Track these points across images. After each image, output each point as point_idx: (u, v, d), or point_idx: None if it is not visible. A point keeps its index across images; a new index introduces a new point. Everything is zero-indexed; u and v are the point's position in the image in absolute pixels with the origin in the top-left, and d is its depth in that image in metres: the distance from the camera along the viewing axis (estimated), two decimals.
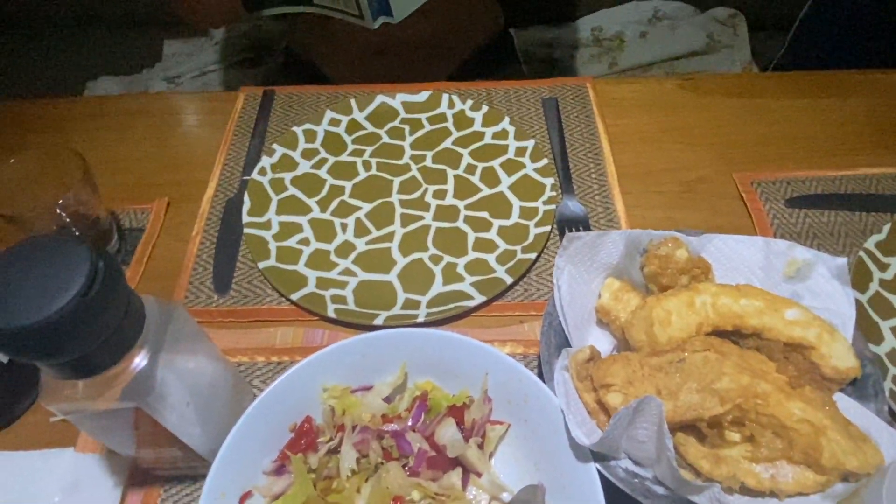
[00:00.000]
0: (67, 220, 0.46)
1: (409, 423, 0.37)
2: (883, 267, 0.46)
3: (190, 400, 0.32)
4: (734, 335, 0.39)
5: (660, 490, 0.34)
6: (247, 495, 0.35)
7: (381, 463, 0.36)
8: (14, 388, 0.42)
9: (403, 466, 0.35)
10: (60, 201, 0.45)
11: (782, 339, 0.37)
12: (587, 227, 0.51)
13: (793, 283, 0.40)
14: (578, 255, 0.41)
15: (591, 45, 1.23)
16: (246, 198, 0.53)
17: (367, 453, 0.36)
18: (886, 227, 0.47)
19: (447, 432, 0.36)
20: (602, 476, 0.33)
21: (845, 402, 0.36)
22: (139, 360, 0.29)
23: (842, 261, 0.39)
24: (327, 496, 0.35)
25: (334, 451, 0.36)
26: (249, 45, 1.11)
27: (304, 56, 0.92)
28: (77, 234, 0.48)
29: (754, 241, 0.43)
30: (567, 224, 0.51)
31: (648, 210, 0.53)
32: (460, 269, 0.49)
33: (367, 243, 0.51)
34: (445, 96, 0.61)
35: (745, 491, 0.34)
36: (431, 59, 0.84)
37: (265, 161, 0.56)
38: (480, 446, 0.37)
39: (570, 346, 0.39)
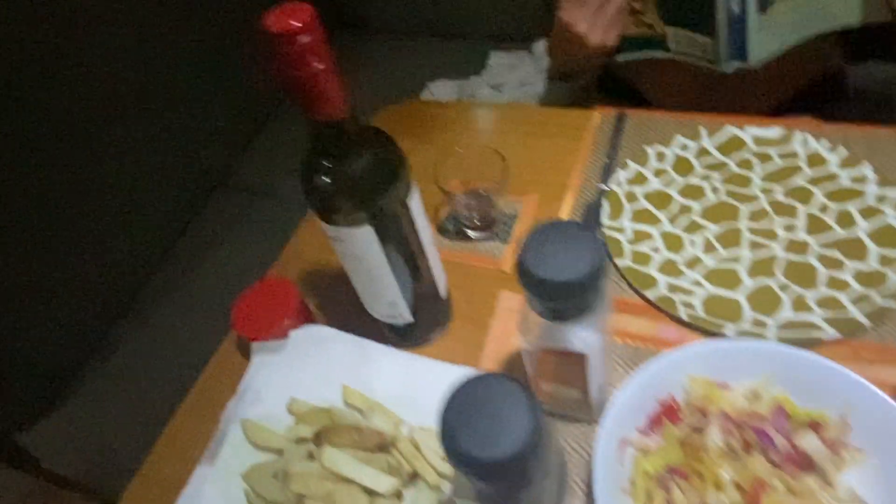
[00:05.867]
0: (483, 199, 0.61)
1: (771, 424, 0.43)
2: None
3: (604, 357, 0.43)
4: None
5: None
6: (624, 444, 0.44)
7: (741, 450, 0.42)
8: (433, 320, 0.58)
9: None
10: (485, 188, 0.59)
11: None
12: None
13: None
14: None
15: None
16: (605, 203, 0.63)
17: (729, 440, 0.42)
18: None
19: (810, 440, 0.41)
20: None
21: None
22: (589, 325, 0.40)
23: None
24: (692, 462, 0.42)
25: (696, 428, 0.44)
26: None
27: (621, 74, 1.01)
28: (483, 215, 0.62)
29: None
30: None
31: None
32: (810, 302, 0.52)
33: (715, 261, 0.57)
34: (799, 135, 0.64)
35: None
36: (755, 90, 0.85)
37: (621, 174, 0.65)
38: (835, 464, 0.41)
39: None
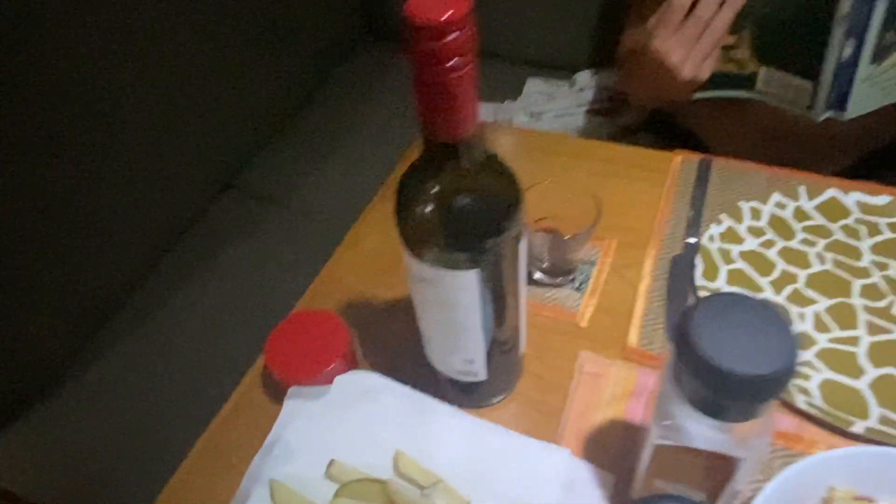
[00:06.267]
0: (562, 241, 0.53)
1: None
2: None
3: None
4: None
5: None
6: None
7: None
8: (505, 378, 0.49)
9: None
10: (567, 229, 0.52)
11: None
12: None
13: None
14: None
15: None
16: (699, 260, 0.56)
17: None
18: None
19: None
20: None
21: None
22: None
23: None
24: None
25: None
26: (608, 95, 1.18)
27: (675, 113, 0.95)
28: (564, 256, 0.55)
29: None
30: None
31: None
32: None
33: (829, 341, 0.50)
34: None
35: None
36: (824, 148, 0.80)
37: (713, 229, 0.58)
38: None
39: None
